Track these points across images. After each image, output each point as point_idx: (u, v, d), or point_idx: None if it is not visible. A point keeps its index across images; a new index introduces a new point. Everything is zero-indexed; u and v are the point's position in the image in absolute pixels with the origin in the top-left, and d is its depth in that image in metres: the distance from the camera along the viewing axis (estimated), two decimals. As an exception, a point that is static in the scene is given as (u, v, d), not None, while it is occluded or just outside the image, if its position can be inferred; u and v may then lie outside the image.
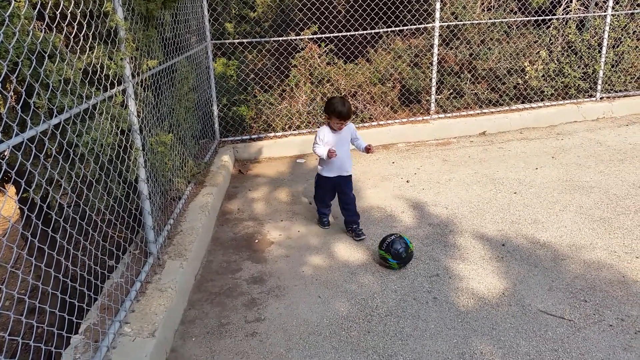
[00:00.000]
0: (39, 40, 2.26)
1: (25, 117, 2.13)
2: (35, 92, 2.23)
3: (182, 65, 4.86)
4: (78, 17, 2.61)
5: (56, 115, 2.36)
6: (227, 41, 6.50)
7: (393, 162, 6.13)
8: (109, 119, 2.95)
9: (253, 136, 6.70)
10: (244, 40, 6.55)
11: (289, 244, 4.26)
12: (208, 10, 6.10)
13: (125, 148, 3.19)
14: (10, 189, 3.21)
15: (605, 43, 7.50)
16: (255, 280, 3.75)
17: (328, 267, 3.87)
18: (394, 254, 3.71)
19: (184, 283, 3.52)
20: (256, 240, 4.37)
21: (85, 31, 2.67)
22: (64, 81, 2.43)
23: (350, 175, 4.39)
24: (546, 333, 2.99)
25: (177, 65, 4.71)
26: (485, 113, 7.27)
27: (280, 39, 6.69)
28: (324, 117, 4.20)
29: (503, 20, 7.33)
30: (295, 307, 3.38)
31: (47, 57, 2.28)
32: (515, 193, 5.03)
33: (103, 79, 2.90)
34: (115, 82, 3.05)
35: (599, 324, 3.04)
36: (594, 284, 3.46)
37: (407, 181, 5.51)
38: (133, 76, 3.35)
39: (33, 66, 2.19)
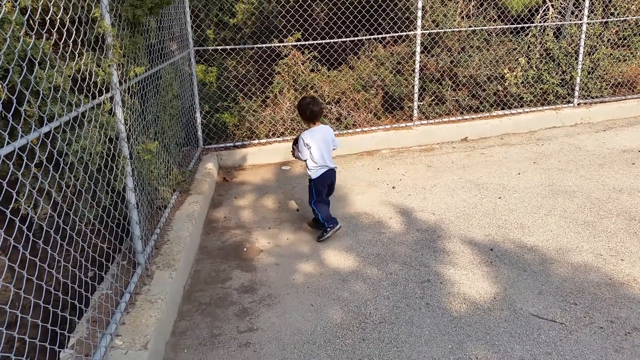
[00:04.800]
0: (29, 47, 2.21)
1: (16, 126, 2.07)
2: (26, 100, 2.17)
3: (167, 72, 4.80)
4: (67, 23, 2.55)
5: (46, 124, 2.30)
6: (210, 48, 6.46)
7: (378, 169, 6.15)
8: (98, 127, 2.89)
9: (237, 143, 6.65)
10: (227, 47, 6.51)
11: (278, 252, 4.22)
12: (191, 17, 6.06)
13: (113, 156, 3.12)
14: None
15: (581, 50, 7.67)
16: (245, 289, 3.71)
17: (319, 274, 3.84)
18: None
19: (174, 294, 3.46)
20: (244, 249, 4.33)
21: (74, 37, 2.61)
22: (53, 88, 2.37)
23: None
24: (539, 336, 3.01)
25: (162, 72, 4.65)
26: (466, 119, 7.36)
27: (264, 45, 6.66)
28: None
29: (483, 28, 7.45)
30: (288, 316, 3.35)
31: (37, 64, 2.23)
32: (499, 198, 5.09)
33: (91, 86, 2.84)
34: (103, 89, 3.00)
35: (590, 327, 3.08)
36: (582, 286, 3.50)
37: (393, 187, 5.52)
38: (120, 83, 3.30)
39: (24, 73, 2.13)
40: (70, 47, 2.58)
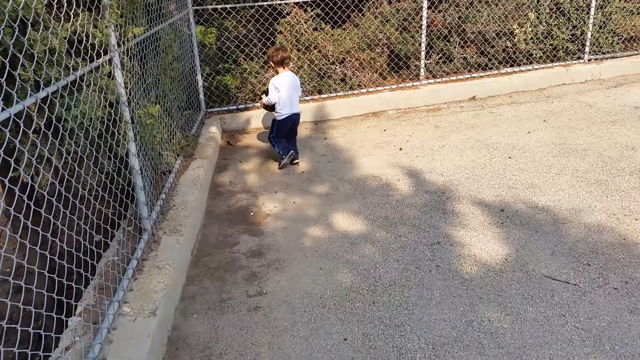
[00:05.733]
0: (20, 7, 2.09)
1: (11, 91, 1.98)
2: (20, 64, 2.06)
3: (166, 33, 4.65)
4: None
5: (43, 88, 2.21)
6: (209, 7, 6.25)
7: (384, 130, 6.03)
8: (97, 90, 2.79)
9: (240, 106, 6.53)
10: (227, 6, 6.31)
11: (285, 216, 4.17)
12: (189, -25, 5.84)
13: (114, 121, 3.03)
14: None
15: (593, 4, 7.40)
16: (253, 253, 3.67)
17: (327, 238, 3.80)
18: None
19: (181, 259, 3.43)
20: (251, 213, 4.28)
21: (68, -4, 2.48)
22: (49, 51, 2.26)
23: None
24: (552, 298, 2.98)
25: (161, 33, 4.50)
26: (474, 77, 7.18)
27: (265, 3, 6.45)
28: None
29: (492, -19, 7.18)
30: (297, 279, 3.32)
31: (30, 25, 2.11)
32: (509, 158, 4.99)
33: (89, 48, 2.72)
34: (101, 51, 2.88)
35: (604, 288, 3.04)
36: (595, 247, 3.45)
37: (400, 149, 5.42)
38: (119, 45, 3.18)
39: (16, 35, 2.02)
40: (65, 7, 2.45)
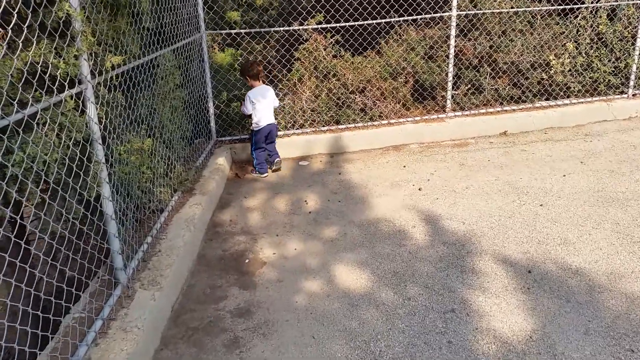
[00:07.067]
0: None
1: None
2: None
3: (167, 60, 4.33)
4: (3, 3, 2.08)
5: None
6: (223, 31, 5.96)
7: (404, 166, 5.57)
8: (56, 129, 2.44)
9: (252, 135, 6.16)
10: (242, 31, 5.99)
11: (283, 266, 3.74)
12: (203, -2, 5.55)
13: (80, 162, 2.68)
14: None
15: (639, 34, 6.82)
16: (240, 312, 3.24)
17: (326, 296, 3.34)
18: None
19: (156, 317, 3.02)
20: (247, 260, 3.86)
21: (16, 21, 2.14)
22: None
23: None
24: (587, 396, 2.45)
25: (160, 59, 4.18)
26: (506, 111, 6.66)
27: (282, 29, 6.12)
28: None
29: (527, 9, 6.69)
30: (283, 350, 2.87)
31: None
32: (541, 205, 4.45)
33: (47, 81, 2.38)
34: (66, 84, 2.54)
35: (652, 385, 2.49)
36: (641, 327, 2.90)
37: (420, 189, 4.95)
38: (94, 75, 2.83)
39: None
40: (10, 35, 2.11)
